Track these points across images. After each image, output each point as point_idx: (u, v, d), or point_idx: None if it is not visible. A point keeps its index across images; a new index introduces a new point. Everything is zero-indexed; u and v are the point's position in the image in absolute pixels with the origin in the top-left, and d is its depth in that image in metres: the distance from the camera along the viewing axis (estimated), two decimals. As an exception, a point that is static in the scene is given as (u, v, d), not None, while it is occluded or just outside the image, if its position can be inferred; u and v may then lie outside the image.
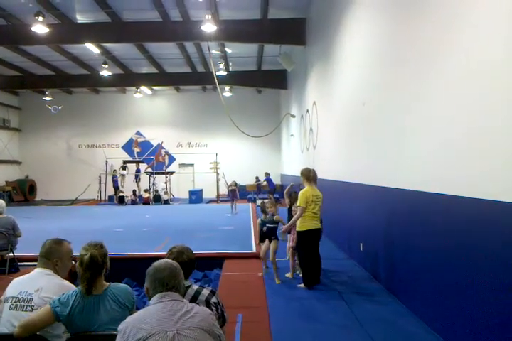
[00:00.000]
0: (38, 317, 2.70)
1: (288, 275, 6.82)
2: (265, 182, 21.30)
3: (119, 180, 23.25)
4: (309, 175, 6.52)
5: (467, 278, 3.78)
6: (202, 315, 2.29)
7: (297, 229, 6.35)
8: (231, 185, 16.97)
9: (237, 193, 16.80)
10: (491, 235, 3.42)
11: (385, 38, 6.12)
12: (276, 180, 23.38)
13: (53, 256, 3.10)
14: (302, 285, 6.33)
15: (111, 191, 23.06)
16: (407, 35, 5.25)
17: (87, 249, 2.83)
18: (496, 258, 3.35)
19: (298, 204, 6.32)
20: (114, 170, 23.47)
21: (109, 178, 23.18)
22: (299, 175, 6.88)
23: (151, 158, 23.96)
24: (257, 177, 22.05)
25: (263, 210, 7.09)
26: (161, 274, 2.39)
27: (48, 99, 23.31)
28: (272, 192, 20.86)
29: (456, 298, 3.98)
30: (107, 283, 2.87)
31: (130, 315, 2.79)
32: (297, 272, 6.85)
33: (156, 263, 2.47)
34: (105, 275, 2.89)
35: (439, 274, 4.36)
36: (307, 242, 6.32)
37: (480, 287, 3.56)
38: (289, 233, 7.01)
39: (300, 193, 6.37)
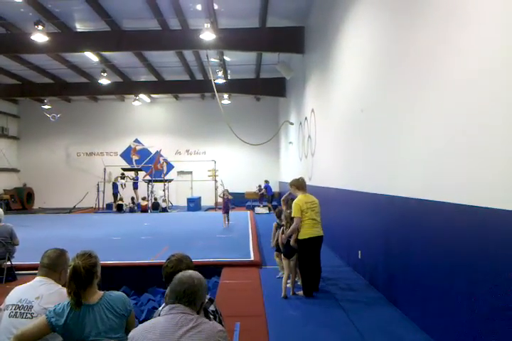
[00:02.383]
0: (34, 327, 2.69)
1: (288, 284, 6.70)
2: (264, 190, 21.35)
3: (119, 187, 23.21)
4: (299, 184, 6.59)
5: (466, 286, 3.77)
6: (207, 332, 2.28)
7: (298, 237, 6.31)
8: (224, 195, 14.69)
9: (229, 204, 14.72)
10: (490, 243, 3.42)
11: (383, 46, 6.17)
12: (275, 188, 23.43)
13: (59, 267, 3.14)
14: (301, 292, 6.30)
15: (109, 199, 23.03)
16: (405, 42, 5.29)
17: (74, 259, 2.81)
18: (495, 266, 3.35)
19: (293, 214, 6.31)
20: (116, 178, 23.45)
21: (108, 186, 23.16)
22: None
23: (150, 165, 23.95)
24: (259, 186, 22.15)
25: (279, 216, 7.12)
26: (179, 287, 2.38)
27: (46, 107, 23.33)
28: (270, 200, 20.88)
29: (455, 305, 3.97)
30: (102, 292, 2.85)
31: (127, 322, 2.81)
32: (298, 283, 6.82)
33: (181, 274, 2.47)
34: (98, 285, 2.87)
35: (437, 282, 4.35)
36: (308, 250, 6.30)
37: (480, 295, 3.55)
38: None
39: (293, 203, 6.37)
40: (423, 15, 4.70)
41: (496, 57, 3.34)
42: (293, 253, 6.39)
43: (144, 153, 25.87)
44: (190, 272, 2.50)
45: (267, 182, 21.29)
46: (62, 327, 2.67)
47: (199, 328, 2.26)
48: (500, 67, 3.28)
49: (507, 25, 3.19)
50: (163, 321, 2.28)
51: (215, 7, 12.81)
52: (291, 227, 6.28)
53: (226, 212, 14.42)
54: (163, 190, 22.64)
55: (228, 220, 14.48)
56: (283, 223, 6.64)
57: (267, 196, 21.40)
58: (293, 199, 7.92)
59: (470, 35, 3.71)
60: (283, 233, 6.51)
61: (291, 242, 6.31)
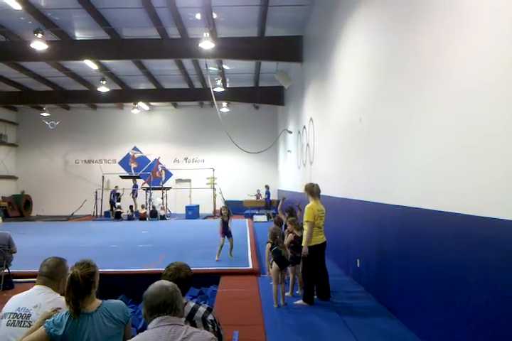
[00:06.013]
0: (33, 338, 2.67)
1: (287, 294, 6.62)
2: (258, 195, 21.55)
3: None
4: (312, 190, 6.55)
5: (462, 293, 3.77)
6: None
7: (303, 244, 6.30)
8: (223, 214, 9.96)
9: (229, 226, 9.91)
10: (483, 250, 3.43)
11: (382, 55, 6.21)
12: (273, 196, 23.40)
13: (58, 276, 3.13)
14: (301, 301, 6.27)
15: (107, 206, 22.99)
16: (404, 52, 5.33)
17: (73, 268, 2.79)
18: (494, 275, 3.35)
19: (305, 218, 6.27)
20: (116, 186, 23.43)
21: (106, 193, 23.12)
22: (295, 190, 6.89)
23: (148, 173, 23.95)
24: (257, 191, 22.21)
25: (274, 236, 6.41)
26: (157, 301, 2.32)
27: (45, 114, 23.37)
28: (268, 207, 20.81)
29: (452, 313, 3.96)
30: (100, 301, 2.84)
31: (125, 330, 2.79)
32: (297, 292, 6.79)
33: (151, 288, 2.39)
34: (96, 293, 2.86)
35: (435, 291, 4.34)
36: (314, 257, 6.30)
37: (476, 302, 3.55)
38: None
39: (306, 208, 6.38)
40: (422, 25, 4.74)
41: (496, 67, 3.37)
42: (285, 264, 6.34)
43: (143, 160, 25.89)
44: (158, 283, 2.44)
45: (267, 187, 21.45)
46: (61, 337, 2.65)
47: (191, 338, 2.25)
48: (501, 76, 3.31)
49: (508, 35, 3.22)
50: (154, 334, 2.24)
51: (214, 16, 12.90)
52: (307, 233, 6.19)
53: (225, 235, 9.91)
54: (162, 198, 22.62)
55: (232, 246, 9.93)
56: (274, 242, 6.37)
57: (263, 202, 21.43)
58: (293, 208, 7.90)
59: (470, 45, 3.74)
60: (275, 245, 6.34)
61: (304, 249, 6.22)
